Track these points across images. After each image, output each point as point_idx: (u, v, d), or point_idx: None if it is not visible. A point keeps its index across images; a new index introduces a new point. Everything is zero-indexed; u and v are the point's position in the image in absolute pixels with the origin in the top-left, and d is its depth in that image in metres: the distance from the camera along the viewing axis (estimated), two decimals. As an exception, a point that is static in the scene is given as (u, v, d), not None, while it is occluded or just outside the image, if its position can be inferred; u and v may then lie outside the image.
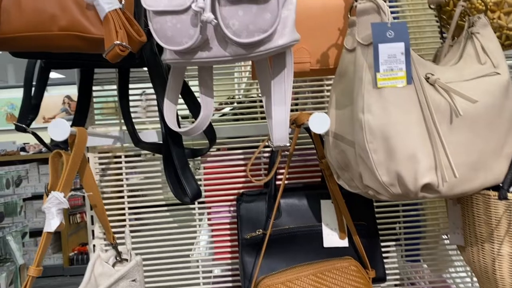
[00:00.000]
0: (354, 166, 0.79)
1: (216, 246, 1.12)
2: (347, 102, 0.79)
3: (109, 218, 1.00)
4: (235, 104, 1.22)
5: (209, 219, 1.13)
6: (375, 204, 1.02)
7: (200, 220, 1.12)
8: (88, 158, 1.08)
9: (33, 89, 1.01)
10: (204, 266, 1.11)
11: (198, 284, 1.11)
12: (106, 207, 0.95)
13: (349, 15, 0.85)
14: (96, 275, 0.87)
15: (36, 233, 3.85)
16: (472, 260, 0.83)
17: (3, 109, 5.52)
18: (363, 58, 0.72)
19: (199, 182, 1.10)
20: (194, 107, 1.01)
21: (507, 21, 0.87)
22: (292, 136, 0.90)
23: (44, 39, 0.79)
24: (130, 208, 1.10)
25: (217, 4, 0.70)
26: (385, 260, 1.00)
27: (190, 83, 1.08)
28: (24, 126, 0.99)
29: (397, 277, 1.15)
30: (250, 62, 1.04)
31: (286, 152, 1.05)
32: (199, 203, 1.11)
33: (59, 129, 0.74)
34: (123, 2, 0.76)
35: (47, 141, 0.97)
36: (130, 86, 1.04)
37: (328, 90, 1.14)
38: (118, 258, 0.94)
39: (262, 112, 1.14)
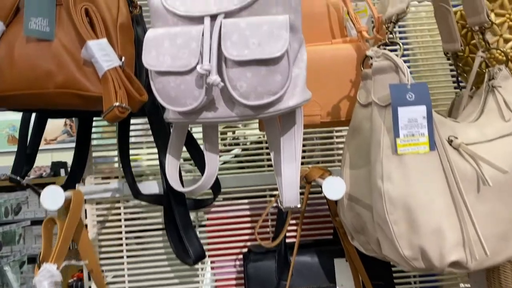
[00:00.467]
0: (371, 231, 0.73)
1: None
2: (363, 162, 0.74)
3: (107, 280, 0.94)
4: (241, 151, 1.16)
5: (213, 274, 1.06)
6: (390, 260, 0.96)
7: (203, 275, 1.06)
8: (86, 209, 1.03)
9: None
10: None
11: None
12: (103, 268, 0.89)
13: (361, 68, 0.81)
14: None
15: (35, 259, 3.77)
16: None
17: (4, 131, 5.48)
18: (380, 119, 0.67)
19: (202, 235, 1.04)
20: (199, 157, 0.96)
21: (530, 73, 0.82)
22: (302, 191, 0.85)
23: (39, 97, 0.74)
24: (129, 263, 1.04)
25: (223, 65, 0.65)
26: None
27: (194, 129, 1.04)
28: (18, 178, 0.94)
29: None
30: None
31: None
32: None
33: (52, 197, 0.69)
34: (123, 60, 0.72)
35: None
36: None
37: (337, 137, 1.09)
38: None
39: (269, 159, 1.08)
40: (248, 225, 1.06)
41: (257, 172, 1.07)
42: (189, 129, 0.90)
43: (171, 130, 0.82)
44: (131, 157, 0.98)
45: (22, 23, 0.71)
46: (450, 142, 0.68)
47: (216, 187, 0.96)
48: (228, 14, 0.65)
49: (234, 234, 1.06)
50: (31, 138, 0.97)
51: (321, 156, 1.10)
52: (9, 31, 0.74)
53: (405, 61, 1.01)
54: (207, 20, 0.65)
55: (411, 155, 0.63)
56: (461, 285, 1.09)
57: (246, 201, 1.07)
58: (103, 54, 0.70)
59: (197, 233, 0.98)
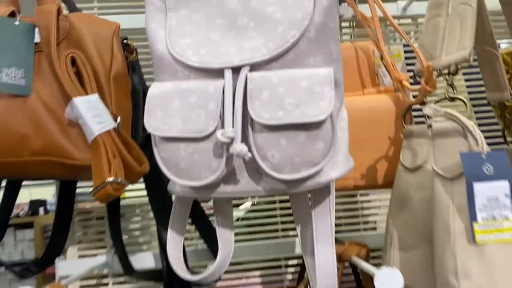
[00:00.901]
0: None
1: None
2: (417, 242, 0.60)
3: None
4: (250, 205, 1.01)
5: None
6: None
7: None
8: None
9: None
10: None
11: None
12: None
13: (403, 123, 0.68)
14: None
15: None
16: None
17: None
18: (447, 196, 0.53)
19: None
20: (204, 226, 0.81)
21: None
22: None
23: (11, 167, 0.58)
24: None
25: (250, 130, 0.51)
26: None
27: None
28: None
29: None
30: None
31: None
32: None
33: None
34: (118, 120, 0.57)
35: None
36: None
37: (361, 202, 0.95)
38: None
39: (283, 222, 0.94)
40: (261, 302, 0.90)
41: (270, 238, 0.92)
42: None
43: (173, 199, 0.67)
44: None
45: (-9, 75, 0.57)
46: (532, 222, 0.54)
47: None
48: (255, 67, 0.52)
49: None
50: (2, 203, 0.81)
51: (343, 218, 0.96)
52: (-26, 85, 0.59)
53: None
54: (228, 74, 0.52)
55: (494, 244, 0.49)
56: None
57: (258, 273, 0.91)
58: (94, 114, 0.55)
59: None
